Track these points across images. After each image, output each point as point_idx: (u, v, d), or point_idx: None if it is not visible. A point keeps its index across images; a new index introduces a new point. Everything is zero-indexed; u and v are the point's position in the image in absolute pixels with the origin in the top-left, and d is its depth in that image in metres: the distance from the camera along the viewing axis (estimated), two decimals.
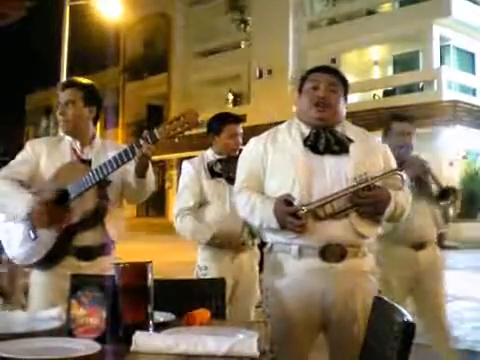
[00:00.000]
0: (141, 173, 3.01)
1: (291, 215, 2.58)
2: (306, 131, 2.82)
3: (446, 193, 3.98)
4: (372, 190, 2.66)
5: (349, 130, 2.87)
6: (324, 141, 2.76)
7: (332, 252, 2.65)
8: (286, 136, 2.83)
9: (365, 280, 2.76)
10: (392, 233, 3.82)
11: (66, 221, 3.00)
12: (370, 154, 2.81)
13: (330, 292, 2.67)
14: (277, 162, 2.77)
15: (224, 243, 3.78)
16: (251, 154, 2.88)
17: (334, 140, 2.77)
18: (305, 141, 2.78)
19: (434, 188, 4.01)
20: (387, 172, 2.79)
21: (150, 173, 3.08)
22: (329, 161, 2.72)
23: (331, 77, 2.88)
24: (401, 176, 2.84)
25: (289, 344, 2.66)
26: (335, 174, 2.69)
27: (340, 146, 2.76)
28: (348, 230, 2.65)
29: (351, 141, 2.79)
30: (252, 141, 2.95)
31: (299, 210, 2.57)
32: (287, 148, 2.78)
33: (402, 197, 2.79)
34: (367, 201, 2.65)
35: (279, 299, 2.72)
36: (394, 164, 2.92)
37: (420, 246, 4.03)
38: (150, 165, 3.04)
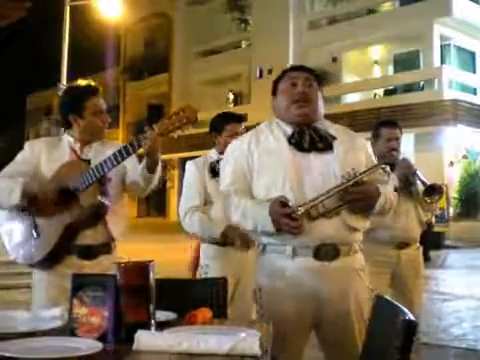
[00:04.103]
0: (151, 168, 3.02)
1: (287, 217, 2.56)
2: (288, 129, 2.82)
3: (432, 190, 4.20)
4: (361, 186, 2.66)
5: (330, 127, 2.88)
6: (308, 139, 2.76)
7: (326, 251, 2.66)
8: (269, 136, 2.82)
9: (357, 277, 2.78)
10: (376, 232, 4.04)
11: (72, 215, 3.01)
12: (354, 150, 2.83)
13: (324, 291, 2.68)
14: (264, 162, 2.75)
15: (228, 242, 3.79)
16: (235, 156, 2.84)
17: (318, 137, 2.78)
18: (289, 139, 2.77)
19: (420, 188, 4.21)
20: (374, 166, 2.81)
21: (159, 168, 3.09)
22: (316, 159, 2.73)
23: (307, 74, 2.89)
24: (385, 170, 2.86)
25: (283, 343, 2.66)
26: (324, 172, 2.70)
27: (324, 143, 2.77)
28: (341, 227, 2.66)
29: (334, 138, 2.80)
30: (234, 143, 2.94)
31: (295, 211, 2.56)
32: (272, 147, 2.77)
33: (389, 190, 2.83)
34: (358, 197, 2.66)
35: (273, 298, 2.71)
36: (375, 160, 2.95)
37: (403, 246, 4.24)
38: (160, 160, 3.05)
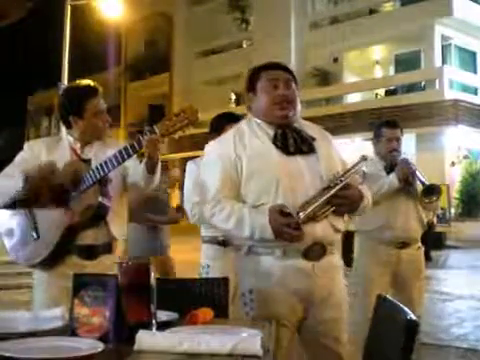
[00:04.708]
0: (151, 169, 3.01)
1: (288, 226, 2.54)
2: (270, 131, 2.79)
3: (430, 190, 4.26)
4: (347, 190, 2.70)
5: (307, 128, 2.88)
6: (293, 141, 2.75)
7: (315, 251, 2.67)
8: (253, 138, 2.78)
9: (338, 275, 2.84)
10: (377, 232, 4.10)
11: (68, 220, 3.00)
12: (332, 151, 2.88)
13: (313, 290, 2.69)
14: (253, 166, 2.70)
15: (229, 241, 3.78)
16: (222, 160, 2.74)
17: (300, 139, 2.78)
18: (274, 142, 2.75)
19: (419, 188, 4.27)
20: (353, 166, 2.83)
21: (158, 169, 3.07)
22: (302, 162, 2.73)
23: (287, 74, 2.87)
24: (363, 171, 2.89)
25: (275, 344, 2.65)
26: (311, 175, 2.71)
27: (307, 146, 2.78)
28: (328, 228, 2.69)
29: (313, 139, 2.82)
30: (216, 145, 2.87)
31: (298, 221, 2.55)
32: (259, 151, 2.73)
33: (367, 191, 2.88)
34: (344, 201, 2.69)
35: (265, 300, 2.69)
36: (343, 159, 2.97)
37: (403, 245, 4.29)
38: (159, 161, 3.04)
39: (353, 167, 2.81)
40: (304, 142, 2.78)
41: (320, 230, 2.65)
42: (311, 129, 2.89)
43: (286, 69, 2.90)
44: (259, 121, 2.84)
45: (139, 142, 2.88)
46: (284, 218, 2.54)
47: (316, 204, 2.61)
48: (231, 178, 2.72)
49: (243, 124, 2.90)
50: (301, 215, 2.56)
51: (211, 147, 2.89)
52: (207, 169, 2.85)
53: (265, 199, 2.64)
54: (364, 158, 2.93)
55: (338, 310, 2.78)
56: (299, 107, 2.87)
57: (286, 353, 2.75)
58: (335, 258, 2.82)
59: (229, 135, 2.85)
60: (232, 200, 2.70)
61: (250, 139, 2.78)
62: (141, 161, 3.04)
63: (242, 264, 2.80)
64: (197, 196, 3.80)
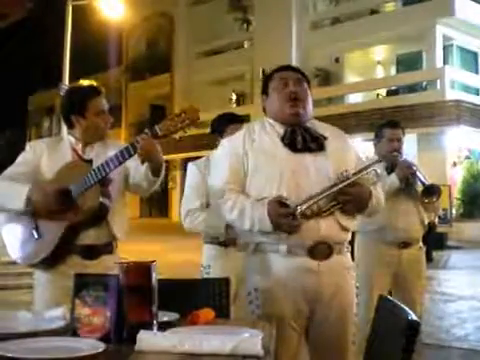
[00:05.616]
0: (156, 172, 2.99)
1: (286, 217, 2.57)
2: (280, 130, 2.83)
3: (430, 191, 4.26)
4: (354, 187, 2.71)
5: (320, 127, 2.91)
6: (301, 139, 2.78)
7: (320, 250, 2.68)
8: (263, 135, 2.83)
9: (348, 276, 2.84)
10: (378, 232, 4.11)
11: (69, 219, 3.00)
12: (345, 150, 2.89)
13: (319, 289, 2.70)
14: (259, 162, 2.75)
15: (230, 242, 3.78)
16: (230, 155, 2.82)
17: (310, 138, 2.80)
18: (282, 139, 2.79)
19: (419, 188, 4.29)
20: (366, 166, 2.84)
21: (163, 171, 3.06)
22: (309, 159, 2.75)
23: (297, 74, 2.93)
24: (375, 171, 2.90)
25: (281, 343, 2.65)
26: (318, 172, 2.72)
27: (316, 144, 2.80)
28: (334, 227, 2.70)
29: (325, 138, 2.83)
30: (227, 142, 2.94)
31: (295, 211, 2.57)
32: (266, 147, 2.78)
33: (379, 191, 2.89)
34: (351, 198, 2.70)
35: (270, 299, 2.71)
36: (364, 159, 3.01)
37: (404, 245, 4.30)
38: (164, 163, 3.03)
39: (366, 167, 2.82)
40: (314, 140, 2.80)
41: (325, 227, 2.66)
42: (324, 129, 2.91)
43: (298, 71, 2.96)
44: (271, 121, 2.89)
45: (138, 142, 2.88)
46: (282, 208, 2.58)
47: (318, 198, 2.62)
48: (238, 174, 2.78)
49: (255, 123, 2.95)
50: (299, 208, 2.57)
51: (221, 145, 2.97)
52: (215, 166, 2.94)
53: (268, 193, 2.67)
54: (379, 160, 2.95)
55: (345, 310, 2.78)
56: (310, 107, 2.90)
57: (293, 354, 2.76)
58: (345, 258, 2.82)
59: (240, 133, 2.91)
60: (237, 192, 2.75)
61: (259, 136, 2.83)
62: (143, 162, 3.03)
63: (248, 262, 2.84)
64: (197, 200, 3.82)
